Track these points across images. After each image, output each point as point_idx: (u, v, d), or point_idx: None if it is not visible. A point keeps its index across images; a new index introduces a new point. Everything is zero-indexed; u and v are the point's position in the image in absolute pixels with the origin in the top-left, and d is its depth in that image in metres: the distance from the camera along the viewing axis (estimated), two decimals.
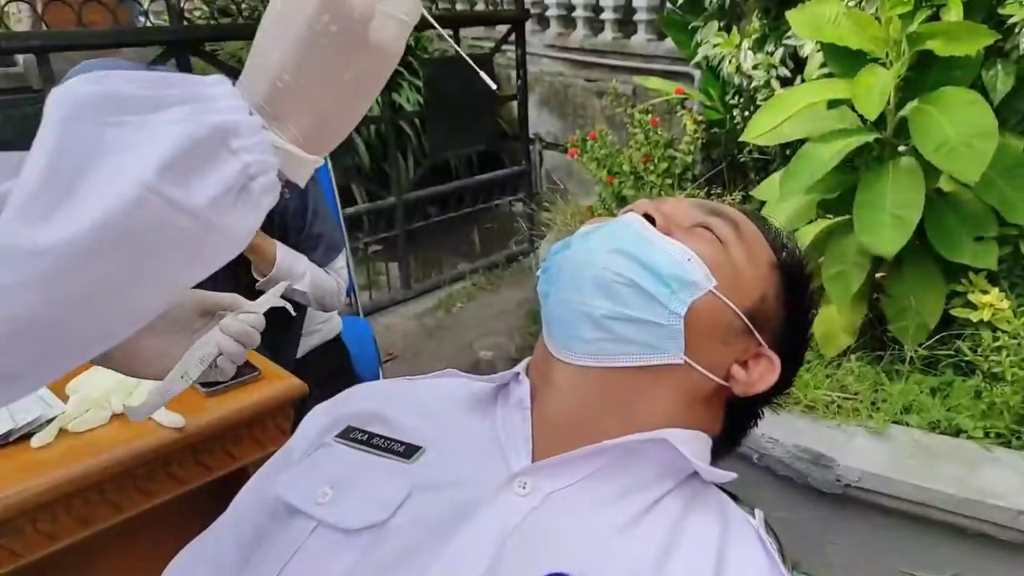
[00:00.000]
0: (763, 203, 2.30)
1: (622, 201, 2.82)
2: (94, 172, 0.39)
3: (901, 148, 1.99)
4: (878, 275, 2.08)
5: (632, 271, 0.63)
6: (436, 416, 0.72)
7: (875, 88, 1.77)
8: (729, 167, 2.93)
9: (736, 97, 2.75)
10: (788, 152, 2.57)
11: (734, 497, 0.69)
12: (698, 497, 0.64)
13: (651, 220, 0.69)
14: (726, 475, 0.64)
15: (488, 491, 0.61)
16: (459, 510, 0.60)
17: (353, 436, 0.70)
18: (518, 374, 0.72)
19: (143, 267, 0.41)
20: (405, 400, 0.74)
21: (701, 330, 0.64)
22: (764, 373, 0.68)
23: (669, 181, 2.69)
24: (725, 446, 0.74)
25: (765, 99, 2.45)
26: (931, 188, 1.90)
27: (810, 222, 2.12)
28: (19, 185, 0.38)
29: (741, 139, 2.09)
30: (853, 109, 2.02)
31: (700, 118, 2.75)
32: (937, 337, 1.96)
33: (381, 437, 0.70)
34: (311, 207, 1.61)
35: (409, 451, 0.68)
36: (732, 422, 0.72)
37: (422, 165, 4.00)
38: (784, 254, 0.73)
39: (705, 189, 2.66)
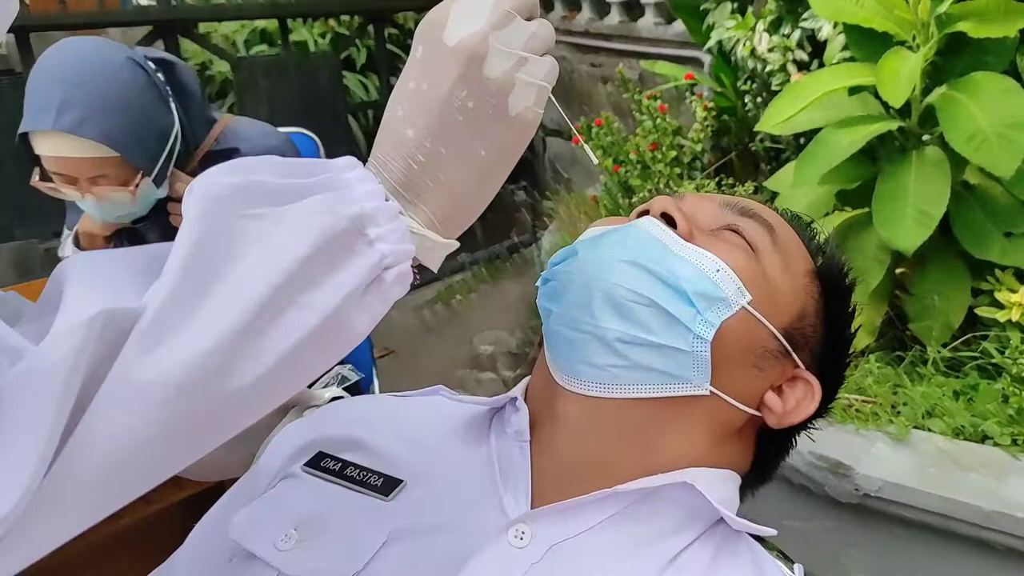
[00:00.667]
0: (775, 194, 2.19)
1: (628, 191, 2.72)
2: (227, 275, 0.39)
3: (925, 138, 1.89)
4: (898, 271, 1.98)
5: (650, 288, 0.54)
6: (422, 443, 0.62)
7: (901, 73, 1.66)
8: (739, 157, 2.82)
9: (748, 83, 2.64)
10: (802, 141, 2.47)
11: (764, 542, 0.58)
12: (726, 547, 0.55)
13: (670, 221, 0.59)
14: (762, 529, 0.54)
15: (479, 539, 0.52)
16: (444, 562, 0.51)
17: (324, 465, 0.61)
18: (515, 399, 0.62)
19: (261, 376, 0.39)
20: (389, 422, 0.65)
21: (731, 355, 0.55)
22: (802, 400, 0.59)
23: (677, 171, 2.58)
24: (754, 481, 0.64)
25: (781, 84, 2.34)
26: (957, 181, 1.79)
27: (827, 215, 2.01)
28: (152, 302, 0.37)
29: (756, 128, 1.98)
30: (875, 96, 1.91)
31: (711, 105, 2.63)
32: (962, 338, 1.86)
33: (356, 467, 0.60)
34: None
35: (388, 485, 0.59)
36: (763, 454, 0.63)
37: None
38: (821, 259, 0.63)
39: (715, 179, 2.56)
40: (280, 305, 0.39)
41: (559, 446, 0.58)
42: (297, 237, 0.40)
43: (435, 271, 0.47)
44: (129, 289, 0.39)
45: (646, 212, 0.61)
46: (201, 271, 0.38)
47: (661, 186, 2.48)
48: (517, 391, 0.64)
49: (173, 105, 1.29)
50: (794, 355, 0.59)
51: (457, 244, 0.48)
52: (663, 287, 0.54)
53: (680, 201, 0.63)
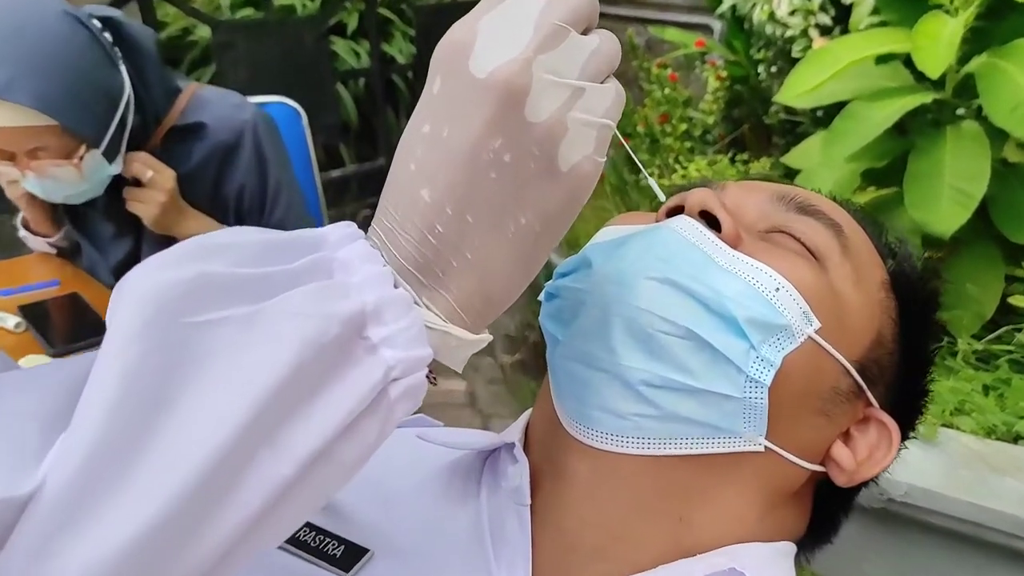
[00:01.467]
0: (797, 171, 2.05)
1: (634, 167, 2.57)
2: (172, 419, 0.27)
3: (961, 111, 1.74)
4: (926, 255, 1.84)
5: (688, 315, 0.41)
6: (394, 498, 0.50)
7: (940, 39, 1.51)
8: (752, 129, 2.67)
9: (764, 50, 2.48)
10: (819, 114, 2.34)
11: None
12: None
13: (711, 221, 0.45)
14: None
15: None
16: None
17: None
18: (512, 446, 0.48)
19: (214, 557, 0.28)
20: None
21: (792, 400, 0.43)
22: (876, 448, 0.46)
23: (688, 144, 2.44)
24: (810, 545, 0.51)
25: (802, 51, 2.19)
26: (995, 158, 1.65)
27: (853, 194, 1.87)
28: (55, 476, 0.26)
29: (776, 99, 1.83)
30: (906, 64, 1.76)
31: (723, 74, 2.48)
32: (994, 330, 1.73)
33: (313, 530, 0.48)
34: (272, 187, 1.35)
35: (350, 556, 0.46)
36: (822, 513, 0.50)
37: None
38: (893, 263, 0.50)
39: (728, 154, 2.41)
40: (247, 453, 0.28)
41: (566, 513, 0.45)
42: (273, 352, 0.29)
43: (458, 371, 0.36)
44: (34, 442, 0.27)
45: (679, 209, 0.47)
46: (133, 417, 0.27)
47: (670, 161, 2.34)
48: (514, 433, 0.50)
49: (123, 68, 1.13)
50: (868, 393, 0.46)
51: (489, 338, 0.36)
52: (706, 313, 0.41)
53: (721, 193, 0.49)
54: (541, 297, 0.48)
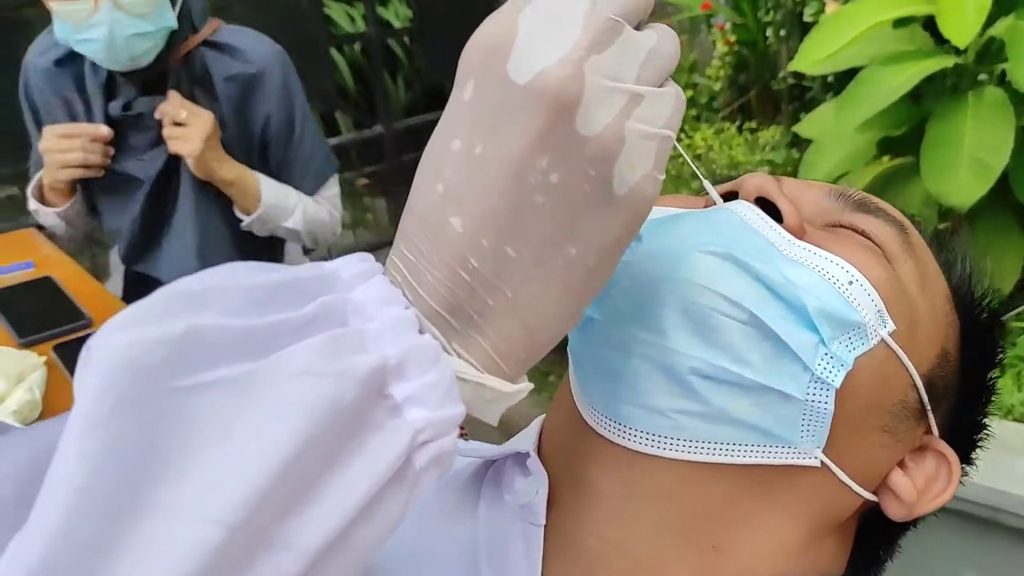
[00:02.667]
0: (807, 141, 1.98)
1: None
2: (149, 511, 0.22)
3: (982, 77, 1.67)
4: (941, 227, 1.78)
5: (752, 297, 0.36)
6: None
7: (967, 3, 1.43)
8: (759, 96, 2.60)
9: (772, 13, 2.40)
10: (830, 80, 2.26)
11: None
12: None
13: (769, 209, 0.40)
14: None
15: None
16: None
17: None
18: (526, 456, 0.43)
19: None
20: None
21: (858, 411, 0.37)
22: (933, 482, 0.41)
23: (693, 112, 2.36)
24: None
25: (815, 15, 2.10)
26: (1017, 126, 1.58)
27: (867, 164, 1.80)
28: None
29: (791, 66, 1.76)
30: (925, 27, 1.69)
31: (731, 38, 2.40)
32: (1011, 306, 1.68)
33: None
34: (299, 118, 1.37)
35: None
36: (863, 551, 0.44)
37: (414, 89, 3.71)
38: (955, 276, 0.45)
39: (736, 122, 2.33)
40: (243, 556, 0.23)
41: (585, 531, 0.39)
42: (275, 423, 0.24)
43: (493, 424, 0.31)
44: None
45: (732, 194, 0.41)
46: (98, 519, 0.22)
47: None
48: (526, 441, 0.44)
49: None
50: (930, 415, 0.41)
51: (530, 387, 0.31)
52: (772, 298, 0.36)
53: (782, 182, 0.43)
54: None
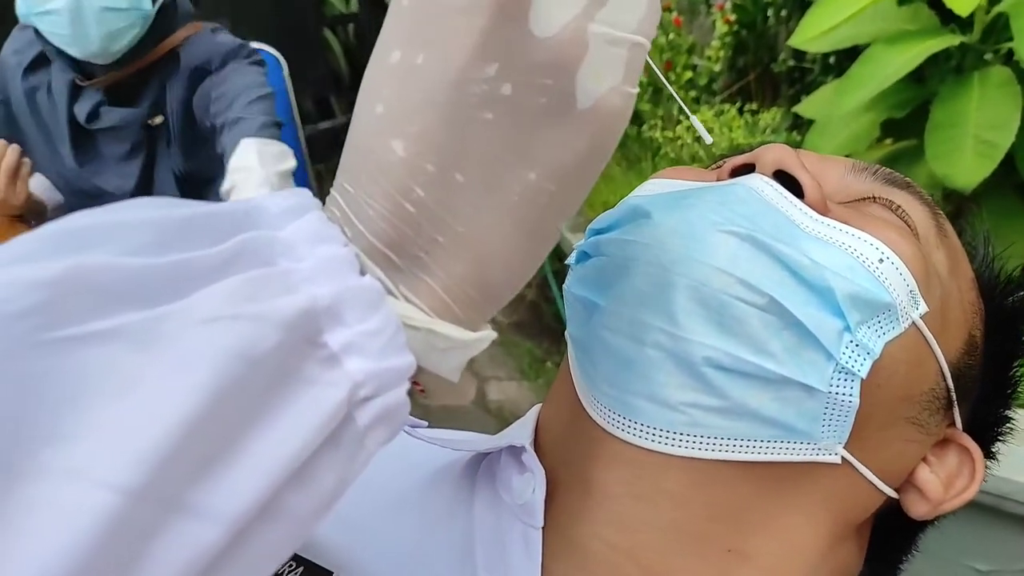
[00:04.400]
0: (808, 122, 1.94)
1: (635, 118, 2.45)
2: (22, 485, 0.18)
3: (988, 56, 1.63)
4: (946, 209, 1.75)
5: (773, 280, 0.33)
6: (368, 511, 0.41)
7: None
8: (759, 78, 2.55)
9: None
10: (831, 60, 2.22)
11: None
12: None
13: (789, 184, 0.37)
14: None
15: None
16: None
17: None
18: (522, 449, 0.40)
19: None
20: None
21: (886, 402, 0.35)
22: (955, 479, 0.39)
23: (693, 94, 2.32)
24: None
25: None
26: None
27: (870, 147, 1.77)
28: None
29: (789, 43, 1.72)
30: (930, 6, 1.64)
31: (731, 18, 2.35)
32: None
33: None
34: (232, 90, 1.24)
35: None
36: (879, 552, 0.42)
37: None
38: (977, 262, 0.44)
39: (736, 104, 2.29)
40: (149, 522, 0.20)
41: (588, 534, 0.37)
42: (181, 374, 0.20)
43: (454, 380, 0.27)
44: None
45: (749, 167, 0.38)
46: None
47: (675, 112, 2.23)
48: (523, 434, 0.41)
49: None
50: (956, 407, 0.38)
51: (492, 336, 0.27)
52: (796, 283, 0.33)
53: (802, 155, 0.41)
54: (570, 260, 0.39)
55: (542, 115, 0.25)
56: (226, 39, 1.29)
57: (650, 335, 0.33)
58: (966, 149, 1.50)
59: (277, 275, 0.23)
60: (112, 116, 1.21)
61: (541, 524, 0.37)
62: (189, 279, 0.22)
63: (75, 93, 1.21)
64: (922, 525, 0.42)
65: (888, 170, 0.41)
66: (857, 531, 0.38)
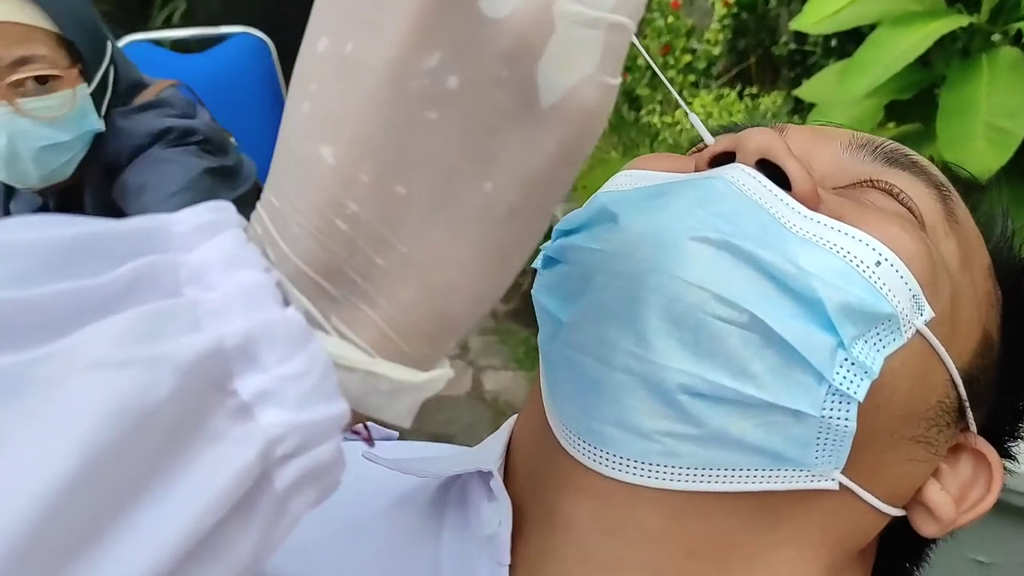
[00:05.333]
0: (809, 106, 1.90)
1: (633, 103, 2.41)
2: None
3: (996, 37, 1.58)
4: None
5: (757, 296, 0.29)
6: (328, 540, 0.37)
7: None
8: (759, 62, 2.51)
9: None
10: (833, 43, 2.18)
11: None
12: None
13: (774, 175, 0.32)
14: None
15: None
16: None
17: None
18: (489, 475, 0.36)
19: None
20: None
21: (888, 422, 0.31)
22: (970, 489, 0.35)
23: (692, 78, 2.28)
24: None
25: None
26: None
27: (873, 131, 1.73)
28: None
29: (793, 25, 1.68)
30: None
31: (731, 0, 2.31)
32: None
33: None
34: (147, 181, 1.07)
35: None
36: (886, 568, 0.39)
37: None
38: (993, 240, 0.39)
39: (736, 88, 2.25)
40: None
41: (557, 573, 0.33)
42: (54, 434, 0.17)
43: (405, 426, 0.22)
44: None
45: (729, 156, 0.34)
46: None
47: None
48: (490, 456, 0.38)
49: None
50: (970, 414, 0.35)
51: (448, 375, 0.23)
52: (780, 295, 0.29)
53: (789, 135, 0.37)
54: (536, 263, 0.35)
55: (499, 113, 0.21)
56: (144, 124, 1.08)
57: (619, 357, 0.30)
58: (977, 137, 1.46)
59: (180, 308, 0.19)
60: None
61: (507, 562, 0.33)
62: (73, 314, 0.18)
63: (10, 192, 1.11)
64: (928, 543, 0.39)
65: (892, 145, 0.37)
66: (859, 555, 0.35)
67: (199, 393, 0.19)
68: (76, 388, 0.17)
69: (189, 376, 0.18)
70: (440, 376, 0.22)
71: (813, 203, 0.31)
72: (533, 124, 0.21)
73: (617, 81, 0.22)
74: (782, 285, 0.29)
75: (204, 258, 0.20)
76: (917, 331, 0.30)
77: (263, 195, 0.22)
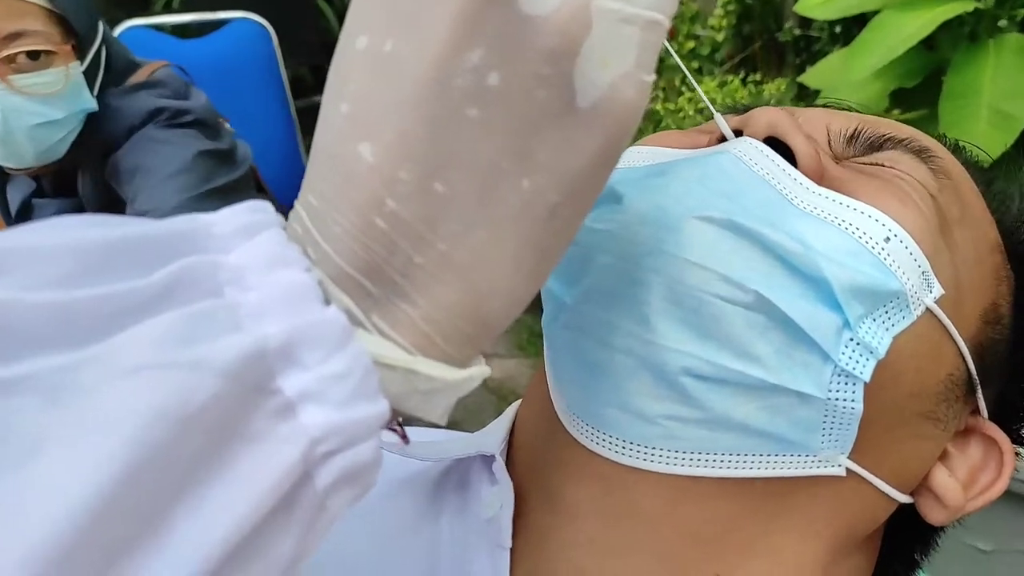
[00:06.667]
0: (813, 92, 1.89)
1: None
2: None
3: (1002, 23, 1.57)
4: None
5: (762, 275, 0.29)
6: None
7: None
8: (764, 48, 2.49)
9: None
10: (838, 29, 2.16)
11: None
12: None
13: (781, 149, 0.32)
14: None
15: None
16: None
17: None
18: (491, 459, 0.36)
19: None
20: None
21: (896, 403, 0.31)
22: (979, 473, 0.35)
23: (695, 64, 2.26)
24: None
25: None
26: None
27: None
28: None
29: (796, 9, 1.66)
30: None
31: None
32: None
33: None
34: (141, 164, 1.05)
35: None
36: (890, 560, 0.39)
37: None
38: (1009, 219, 0.38)
39: (740, 74, 2.24)
40: None
41: (559, 559, 0.33)
42: (98, 437, 0.17)
43: (441, 423, 0.24)
44: None
45: (737, 132, 0.34)
46: None
47: (676, 83, 2.17)
48: (493, 440, 0.38)
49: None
50: (979, 392, 0.34)
51: (486, 372, 0.23)
52: (785, 273, 0.29)
53: (798, 114, 0.37)
54: None
55: (538, 111, 0.21)
56: (137, 104, 1.07)
57: (620, 339, 0.29)
58: (980, 120, 1.45)
59: (220, 310, 0.19)
60: (46, 212, 1.09)
61: (509, 545, 0.33)
62: (114, 317, 0.18)
63: (3, 178, 1.11)
64: (935, 530, 0.38)
65: (887, 124, 0.37)
66: (865, 542, 0.35)
67: (242, 394, 0.19)
68: (119, 391, 0.17)
69: (231, 377, 0.18)
70: (477, 374, 0.23)
71: (819, 178, 0.31)
72: (573, 121, 0.21)
73: (652, 78, 0.23)
74: (787, 264, 0.29)
75: (244, 259, 0.20)
76: (926, 308, 0.30)
77: (301, 195, 0.23)
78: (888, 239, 0.30)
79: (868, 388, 0.29)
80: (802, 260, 0.29)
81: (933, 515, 0.34)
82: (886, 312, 0.29)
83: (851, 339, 0.28)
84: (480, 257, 0.22)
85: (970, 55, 1.51)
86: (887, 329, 0.29)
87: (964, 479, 0.34)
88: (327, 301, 0.21)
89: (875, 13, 1.60)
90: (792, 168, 0.31)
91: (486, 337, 0.23)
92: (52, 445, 0.17)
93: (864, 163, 0.35)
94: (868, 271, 0.29)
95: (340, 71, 0.22)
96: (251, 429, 0.19)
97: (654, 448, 0.30)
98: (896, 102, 1.73)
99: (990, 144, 1.43)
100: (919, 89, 1.63)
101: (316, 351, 0.20)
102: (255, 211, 0.22)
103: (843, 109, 0.41)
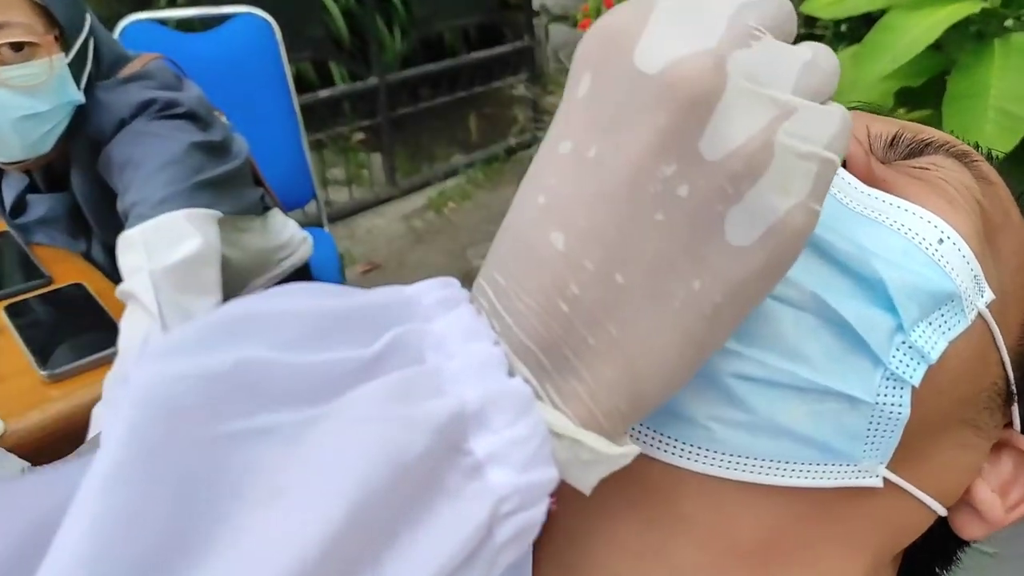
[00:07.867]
0: None
1: None
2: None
3: (1009, 23, 1.56)
4: None
5: (815, 275, 0.28)
6: None
7: None
8: None
9: None
10: (842, 29, 2.15)
11: None
12: None
13: None
14: None
15: None
16: None
17: None
18: None
19: None
20: None
21: (943, 411, 0.31)
22: (1011, 487, 0.34)
23: None
24: None
25: None
26: None
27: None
28: None
29: (802, 9, 1.65)
30: None
31: None
32: None
33: None
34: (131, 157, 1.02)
35: None
36: (915, 571, 0.38)
37: (409, 39, 3.60)
38: None
39: None
40: None
41: (587, 562, 0.32)
42: (330, 481, 0.19)
43: (586, 492, 0.25)
44: None
45: None
46: None
47: None
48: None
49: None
50: (1015, 408, 0.34)
51: (636, 451, 0.25)
52: (838, 274, 0.28)
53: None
54: None
55: (717, 223, 0.23)
56: (127, 97, 1.05)
57: None
58: (987, 121, 1.44)
59: (426, 375, 0.22)
60: (39, 207, 1.10)
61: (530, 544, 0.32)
62: (343, 377, 0.21)
63: None
64: (959, 544, 0.37)
65: (924, 130, 0.36)
66: (895, 560, 0.34)
67: (443, 451, 0.20)
68: (350, 438, 0.20)
69: (438, 435, 0.20)
70: (631, 452, 0.24)
71: (867, 178, 0.31)
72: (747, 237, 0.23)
73: (820, 206, 0.24)
74: (841, 265, 0.28)
75: (445, 329, 0.23)
76: (979, 313, 0.29)
77: (484, 271, 0.24)
78: (941, 241, 0.29)
79: (921, 393, 0.28)
80: (856, 261, 0.28)
81: (968, 530, 0.33)
82: (942, 315, 0.29)
83: (903, 342, 0.28)
84: (645, 344, 0.23)
85: (976, 55, 1.50)
86: (943, 333, 0.28)
87: (996, 484, 0.34)
88: (511, 372, 0.23)
89: (880, 13, 1.59)
90: (841, 168, 0.31)
91: (637, 417, 0.24)
92: (293, 487, 0.19)
93: (908, 166, 0.34)
94: (924, 272, 0.28)
95: (541, 168, 0.24)
96: (448, 485, 0.20)
97: (696, 449, 0.29)
98: (901, 101, 1.72)
99: (996, 145, 1.42)
100: (924, 88, 1.62)
101: (503, 416, 0.22)
102: (447, 286, 0.24)
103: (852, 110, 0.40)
